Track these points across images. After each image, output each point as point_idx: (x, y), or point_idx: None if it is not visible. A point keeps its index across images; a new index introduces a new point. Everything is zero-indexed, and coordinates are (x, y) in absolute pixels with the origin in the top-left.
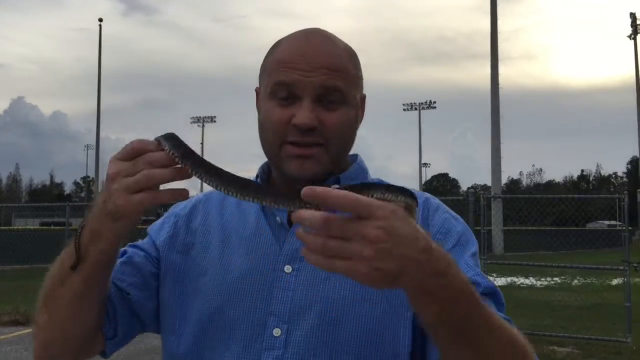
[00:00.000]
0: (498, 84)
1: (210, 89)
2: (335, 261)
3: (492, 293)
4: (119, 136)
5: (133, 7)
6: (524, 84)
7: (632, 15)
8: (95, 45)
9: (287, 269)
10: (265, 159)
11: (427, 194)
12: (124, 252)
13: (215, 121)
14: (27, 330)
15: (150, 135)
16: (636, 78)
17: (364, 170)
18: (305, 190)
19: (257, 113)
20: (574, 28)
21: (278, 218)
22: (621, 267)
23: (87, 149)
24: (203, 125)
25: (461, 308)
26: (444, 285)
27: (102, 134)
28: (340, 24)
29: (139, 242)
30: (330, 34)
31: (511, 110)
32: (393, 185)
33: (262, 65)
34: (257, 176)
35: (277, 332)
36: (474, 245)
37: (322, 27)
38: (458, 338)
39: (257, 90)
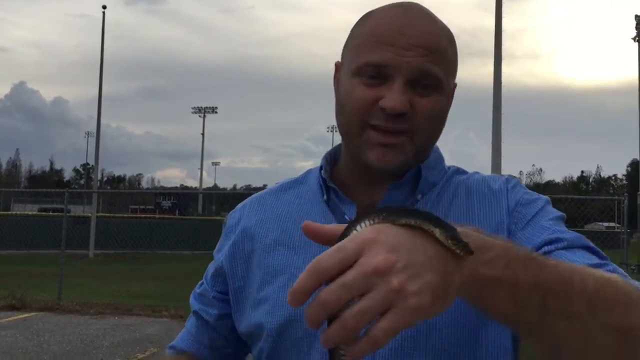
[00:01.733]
0: (501, 82)
1: (213, 80)
2: (378, 329)
3: (583, 246)
4: (120, 124)
5: None
6: (527, 83)
7: (637, 18)
8: (97, 32)
9: None
10: (316, 151)
11: (508, 175)
12: (198, 315)
13: (216, 112)
14: (23, 315)
15: (153, 126)
16: (639, 80)
17: (441, 158)
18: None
19: (334, 91)
20: (579, 29)
21: (347, 216)
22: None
23: (88, 136)
24: (204, 116)
25: (528, 276)
26: (492, 259)
27: (103, 122)
28: (345, 18)
29: (204, 287)
30: (429, 10)
31: (513, 110)
32: (370, 211)
33: (350, 36)
34: (321, 167)
35: None
36: (558, 213)
37: (327, 21)
38: (544, 312)
39: (338, 65)
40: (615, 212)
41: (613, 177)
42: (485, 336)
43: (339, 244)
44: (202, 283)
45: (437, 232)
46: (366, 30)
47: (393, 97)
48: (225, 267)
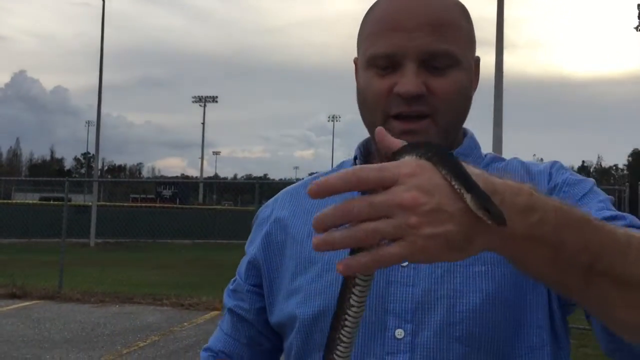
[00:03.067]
0: (502, 72)
1: (213, 69)
2: (386, 250)
3: None
4: (120, 113)
5: None
6: (528, 73)
7: None
8: (97, 21)
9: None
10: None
11: (552, 161)
12: (233, 312)
13: (217, 101)
14: (24, 304)
15: (153, 115)
16: None
17: (477, 145)
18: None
19: (351, 89)
20: (581, 19)
21: None
22: None
23: (88, 125)
24: (205, 105)
25: (577, 239)
26: (538, 221)
27: (103, 111)
28: (344, 7)
29: (237, 282)
30: None
31: (514, 99)
32: (423, 143)
33: (360, 28)
34: (355, 157)
35: (399, 333)
36: (607, 196)
37: (328, 10)
38: (592, 276)
39: (355, 61)
40: (617, 202)
41: (614, 167)
42: (525, 325)
43: (385, 164)
44: (235, 279)
45: (468, 197)
46: (374, 19)
47: (405, 80)
48: (259, 258)
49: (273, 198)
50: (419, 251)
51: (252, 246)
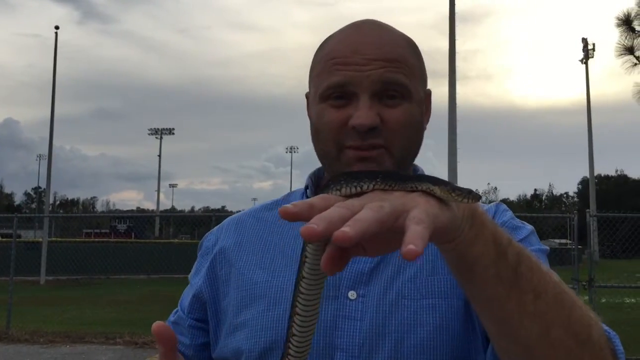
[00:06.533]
0: (455, 103)
1: (169, 101)
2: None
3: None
4: (73, 146)
5: (89, 15)
6: (481, 104)
7: (584, 40)
8: (49, 53)
9: (352, 294)
10: (305, 169)
11: (498, 202)
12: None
13: (173, 133)
14: None
15: (108, 148)
16: (587, 101)
17: None
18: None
19: (308, 120)
20: (530, 51)
21: None
22: (570, 286)
23: (40, 159)
24: (161, 137)
25: (504, 235)
26: (483, 221)
27: (56, 144)
28: (301, 39)
29: (178, 315)
30: (384, 23)
31: (468, 129)
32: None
33: (312, 65)
34: (306, 187)
35: None
36: (543, 246)
37: (284, 41)
38: (517, 274)
39: (307, 96)
40: (568, 229)
41: (565, 195)
42: (471, 356)
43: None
44: (177, 311)
45: (436, 190)
46: (324, 56)
47: (360, 113)
48: (205, 292)
49: (218, 226)
50: (424, 203)
51: (198, 277)
